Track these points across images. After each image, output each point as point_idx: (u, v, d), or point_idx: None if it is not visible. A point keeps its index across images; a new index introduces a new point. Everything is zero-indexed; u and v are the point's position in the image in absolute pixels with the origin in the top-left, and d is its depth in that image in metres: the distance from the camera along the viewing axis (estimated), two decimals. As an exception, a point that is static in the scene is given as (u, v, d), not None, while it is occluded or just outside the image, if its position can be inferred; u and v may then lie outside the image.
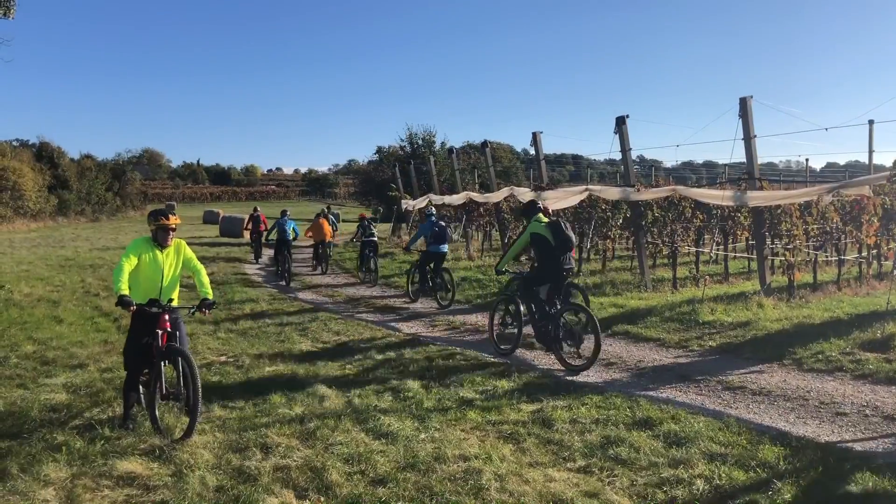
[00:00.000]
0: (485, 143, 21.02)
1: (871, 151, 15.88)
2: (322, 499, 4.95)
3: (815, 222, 14.28)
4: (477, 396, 7.42)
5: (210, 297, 6.66)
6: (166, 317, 6.36)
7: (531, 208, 9.53)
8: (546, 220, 9.23)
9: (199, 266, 6.79)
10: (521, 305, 9.41)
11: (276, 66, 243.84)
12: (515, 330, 9.49)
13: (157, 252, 6.42)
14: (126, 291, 6.12)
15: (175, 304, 6.61)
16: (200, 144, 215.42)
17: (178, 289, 6.70)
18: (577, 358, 8.72)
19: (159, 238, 6.40)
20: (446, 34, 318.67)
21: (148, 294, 6.41)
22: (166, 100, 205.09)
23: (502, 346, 9.62)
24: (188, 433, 5.95)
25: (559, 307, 9.01)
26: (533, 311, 9.21)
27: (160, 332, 6.29)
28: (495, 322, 9.93)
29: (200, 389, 6.08)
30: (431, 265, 14.02)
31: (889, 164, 13.67)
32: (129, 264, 6.23)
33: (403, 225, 29.69)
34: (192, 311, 6.60)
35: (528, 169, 45.70)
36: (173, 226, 6.41)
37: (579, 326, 8.80)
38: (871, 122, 15.50)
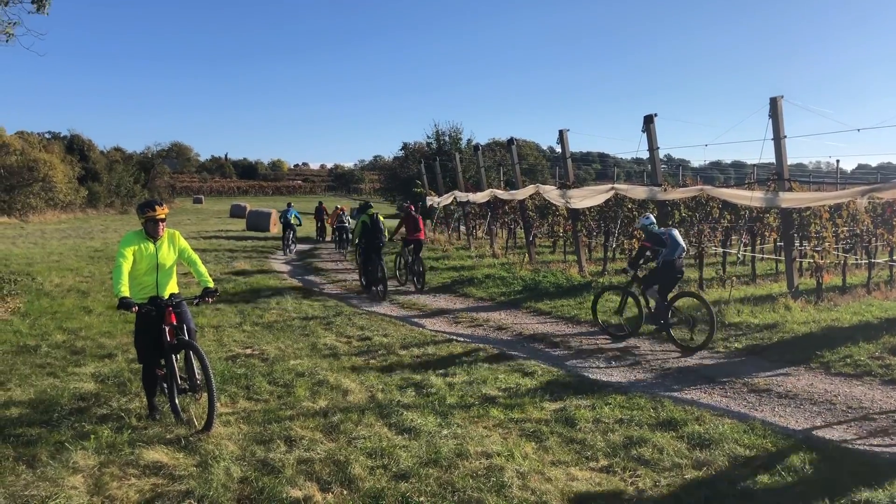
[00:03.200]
0: (511, 141, 20.95)
1: (904, 153, 15.61)
2: (345, 492, 4.99)
3: (845, 224, 14.08)
4: (500, 394, 7.41)
5: (211, 285, 6.61)
6: (171, 311, 6.35)
7: (363, 207, 15.71)
8: (371, 213, 14.96)
9: (195, 257, 6.72)
10: (368, 265, 14.92)
11: (303, 61, 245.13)
12: (365, 280, 15.28)
13: (151, 244, 6.35)
14: (126, 293, 6.04)
15: (175, 291, 6.60)
16: (228, 139, 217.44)
17: (175, 277, 6.65)
18: (383, 294, 14.37)
19: (150, 230, 6.33)
20: (474, 30, 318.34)
21: (146, 289, 6.38)
22: (195, 94, 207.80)
23: (364, 288, 15.31)
24: (208, 425, 6.01)
25: (375, 266, 14.56)
26: (370, 268, 14.78)
27: (167, 327, 6.29)
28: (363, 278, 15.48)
29: (213, 380, 6.08)
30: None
31: (922, 165, 13.43)
32: (126, 263, 6.16)
33: (428, 221, 29.75)
34: (196, 301, 6.58)
35: (553, 167, 45.51)
36: (161, 216, 6.33)
37: (381, 275, 14.44)
38: (904, 124, 15.23)
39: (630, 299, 10.35)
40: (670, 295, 9.79)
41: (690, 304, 10.01)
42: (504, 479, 5.11)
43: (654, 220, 10.21)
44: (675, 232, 9.88)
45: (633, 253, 10.46)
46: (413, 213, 16.15)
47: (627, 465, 5.51)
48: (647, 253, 9.92)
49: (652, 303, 9.90)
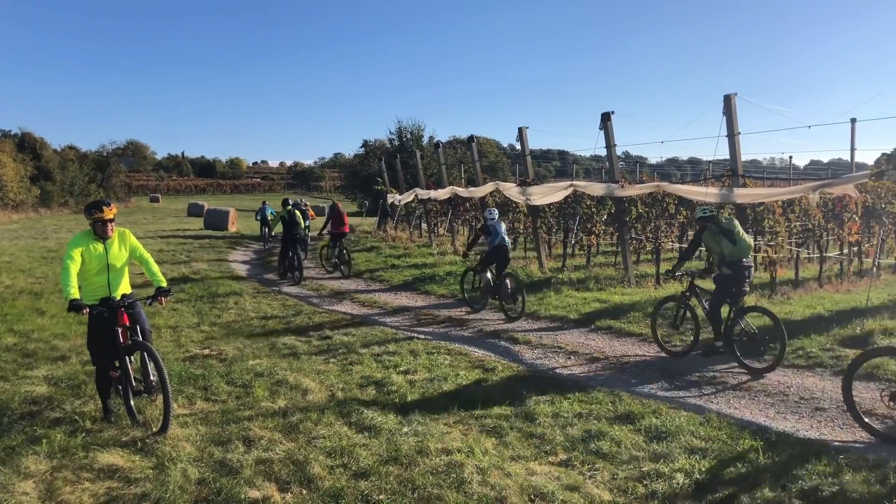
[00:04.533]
0: (471, 138, 20.97)
1: (853, 149, 15.98)
2: (304, 491, 4.96)
3: (798, 219, 14.39)
4: (460, 390, 7.43)
5: (164, 285, 6.52)
6: (123, 312, 6.25)
7: (283, 203, 18.03)
8: (289, 209, 17.14)
9: (147, 255, 6.62)
10: (286, 254, 17.08)
11: (261, 59, 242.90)
12: (283, 267, 17.21)
13: (100, 245, 6.24)
14: (76, 295, 5.94)
15: (128, 291, 6.50)
16: (185, 136, 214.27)
17: (127, 277, 6.54)
18: (299, 279, 16.47)
19: (98, 231, 6.22)
20: (433, 29, 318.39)
21: (97, 291, 6.28)
22: (151, 91, 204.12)
23: (282, 274, 17.26)
24: (164, 426, 5.93)
25: (294, 253, 16.79)
26: (288, 257, 16.92)
27: (120, 329, 6.19)
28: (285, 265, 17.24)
29: (169, 381, 6.02)
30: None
31: (870, 161, 13.80)
32: (74, 265, 6.05)
33: (390, 219, 29.68)
34: (149, 301, 6.47)
35: (514, 164, 45.72)
36: (109, 217, 6.21)
37: (298, 262, 16.70)
38: (853, 121, 15.59)
39: (477, 277, 12.56)
40: (506, 270, 12.14)
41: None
42: (464, 476, 5.13)
43: (496, 216, 12.35)
44: (501, 226, 12.26)
45: (471, 238, 13.47)
46: (339, 209, 18.33)
47: (586, 458, 5.57)
48: (480, 238, 12.56)
49: (485, 281, 12.26)
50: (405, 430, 6.14)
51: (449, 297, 14.11)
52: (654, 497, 4.91)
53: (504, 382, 7.76)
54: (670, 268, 9.34)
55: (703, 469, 5.29)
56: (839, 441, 5.98)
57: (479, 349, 9.53)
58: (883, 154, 10.48)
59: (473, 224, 24.24)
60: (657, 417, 6.46)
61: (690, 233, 17.84)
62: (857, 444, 5.89)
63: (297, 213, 17.43)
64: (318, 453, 5.58)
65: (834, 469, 5.20)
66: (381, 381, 7.77)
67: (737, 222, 8.62)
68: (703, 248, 10.06)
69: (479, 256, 12.96)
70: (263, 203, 29.89)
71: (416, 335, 10.42)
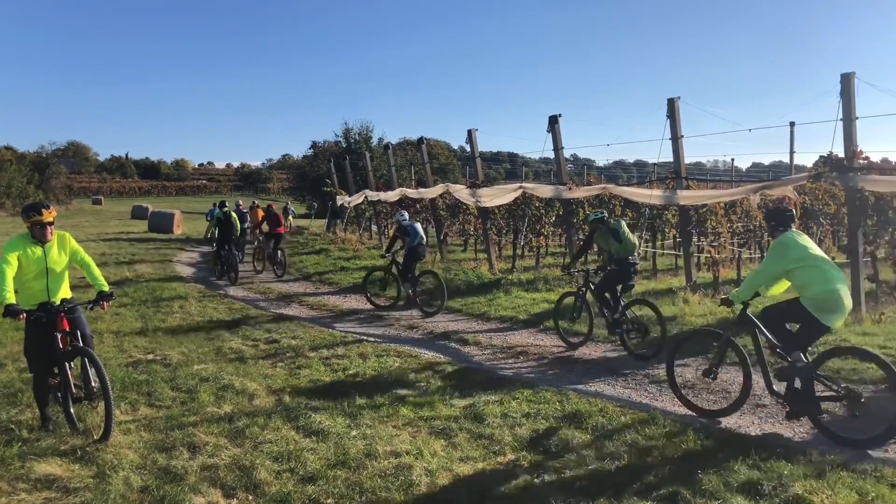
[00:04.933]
0: (421, 140, 20.98)
1: (792, 152, 16.46)
2: (250, 497, 4.89)
3: (740, 220, 14.74)
4: (410, 392, 7.42)
5: (106, 289, 6.37)
6: (63, 317, 6.09)
7: (220, 205, 18.31)
8: (225, 210, 17.36)
9: (88, 259, 6.46)
10: (222, 255, 17.14)
11: (207, 60, 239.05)
12: (220, 267, 17.31)
13: (38, 249, 6.07)
14: (12, 299, 5.77)
15: (68, 296, 6.33)
16: (129, 138, 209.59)
17: (67, 281, 6.37)
18: (234, 279, 16.73)
19: (37, 234, 6.04)
20: (382, 31, 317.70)
21: (36, 295, 6.10)
22: (94, 91, 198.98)
23: (218, 274, 17.38)
24: (106, 434, 5.79)
25: (230, 254, 16.81)
26: (224, 258, 16.95)
27: (59, 334, 6.03)
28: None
29: (110, 387, 5.89)
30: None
31: (809, 164, 14.21)
32: (10, 269, 5.86)
33: (339, 221, 29.50)
34: (90, 306, 6.32)
35: (464, 166, 45.84)
36: (49, 220, 6.03)
37: (233, 263, 16.81)
38: (792, 125, 16.08)
39: (389, 276, 13.24)
40: (417, 271, 12.76)
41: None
42: (412, 478, 5.12)
43: (407, 217, 13.04)
44: (417, 225, 12.82)
45: (388, 241, 13.86)
46: (274, 210, 19.00)
47: (534, 458, 5.61)
48: (399, 240, 12.82)
49: (408, 291, 12.67)
50: (353, 433, 6.10)
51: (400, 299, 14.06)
52: (602, 495, 4.97)
53: (454, 384, 7.76)
54: (566, 264, 10.07)
55: (649, 466, 5.37)
56: (778, 435, 6.13)
57: (429, 351, 9.52)
58: (821, 157, 10.80)
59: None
60: (604, 416, 6.54)
61: (636, 234, 18.12)
62: (798, 439, 6.06)
63: (234, 215, 17.75)
64: (265, 458, 5.51)
65: (775, 463, 5.33)
66: (329, 385, 7.70)
67: (623, 223, 9.50)
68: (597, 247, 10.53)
69: (384, 259, 13.40)
70: (214, 204, 30.25)
71: (365, 338, 10.36)
